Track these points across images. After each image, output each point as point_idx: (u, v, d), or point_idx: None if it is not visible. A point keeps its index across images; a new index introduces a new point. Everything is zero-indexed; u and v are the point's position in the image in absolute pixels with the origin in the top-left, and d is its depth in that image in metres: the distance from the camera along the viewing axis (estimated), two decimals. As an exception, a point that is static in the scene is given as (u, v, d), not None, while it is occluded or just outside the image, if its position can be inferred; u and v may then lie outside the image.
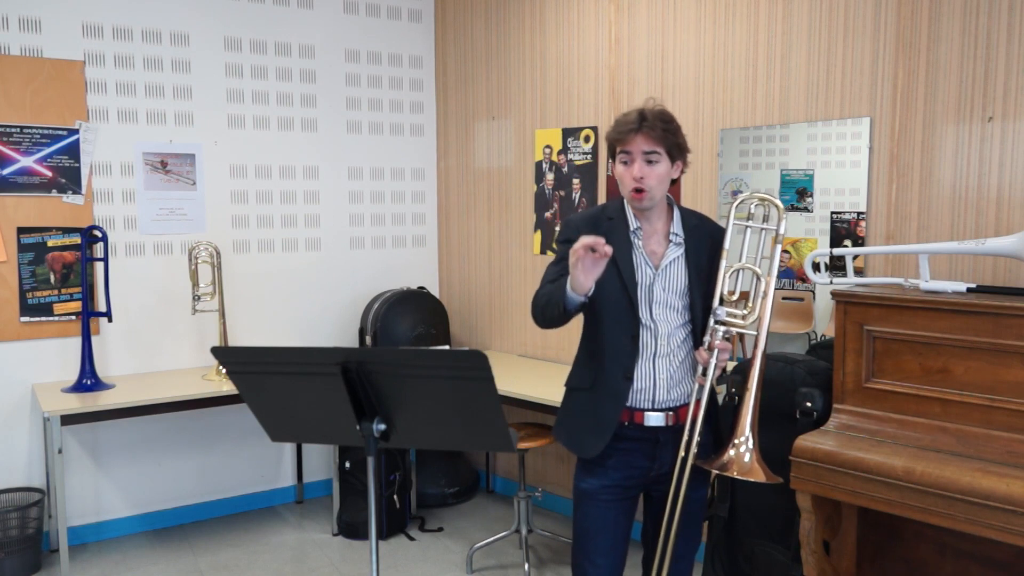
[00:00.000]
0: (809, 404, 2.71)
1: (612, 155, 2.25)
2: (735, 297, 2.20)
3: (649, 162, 2.14)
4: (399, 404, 1.83)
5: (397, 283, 4.77)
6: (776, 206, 2.23)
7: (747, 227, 2.26)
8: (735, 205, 2.25)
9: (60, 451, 3.38)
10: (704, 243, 2.25)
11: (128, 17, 3.96)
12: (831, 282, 2.79)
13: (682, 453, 2.18)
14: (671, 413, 2.20)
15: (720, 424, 2.35)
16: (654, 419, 2.19)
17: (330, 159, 4.59)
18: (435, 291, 4.97)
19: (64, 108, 3.82)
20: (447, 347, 4.51)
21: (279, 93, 4.40)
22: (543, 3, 4.20)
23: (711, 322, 2.16)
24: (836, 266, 2.89)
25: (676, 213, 2.27)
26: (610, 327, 2.20)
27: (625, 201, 2.26)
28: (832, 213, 3.11)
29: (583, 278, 2.00)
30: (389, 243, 4.84)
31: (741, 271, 2.21)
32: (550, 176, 4.26)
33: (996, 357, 2.33)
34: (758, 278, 2.21)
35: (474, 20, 4.63)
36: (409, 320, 4.39)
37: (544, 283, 2.24)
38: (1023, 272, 2.63)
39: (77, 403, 3.47)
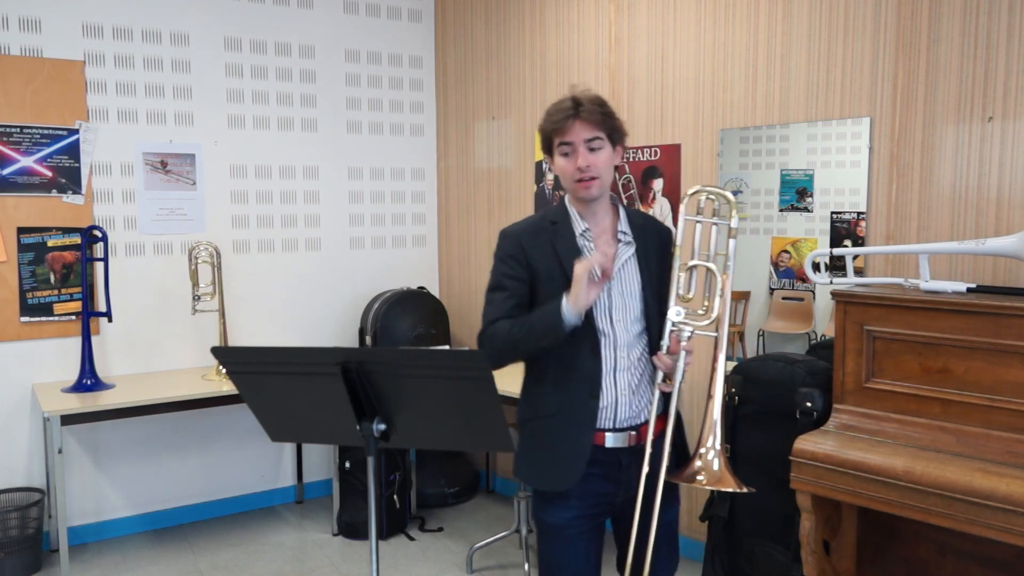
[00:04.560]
0: (809, 404, 2.72)
1: (548, 149, 2.09)
2: (691, 296, 2.04)
3: (592, 149, 2.00)
4: (399, 404, 1.83)
5: (397, 283, 4.77)
6: (727, 199, 2.05)
7: (697, 222, 2.06)
8: (685, 200, 2.08)
9: (60, 451, 3.38)
10: (653, 243, 2.11)
11: (128, 17, 3.96)
12: (831, 282, 2.79)
13: (646, 469, 1.99)
14: (633, 433, 2.04)
15: (686, 437, 2.20)
16: (615, 440, 2.03)
17: (330, 159, 4.58)
18: (435, 291, 4.97)
19: (64, 108, 3.82)
20: (447, 347, 4.51)
21: (279, 93, 4.40)
22: (543, 3, 4.20)
23: (667, 325, 1.99)
24: (836, 266, 2.89)
25: (622, 211, 2.12)
26: (569, 344, 1.98)
27: (567, 202, 2.11)
28: (832, 213, 3.11)
29: (585, 297, 1.87)
30: (389, 243, 4.84)
31: (695, 270, 2.04)
32: (550, 176, 4.26)
33: (996, 357, 2.33)
34: (714, 275, 2.03)
35: (474, 20, 4.62)
36: (409, 320, 4.39)
37: (495, 318, 2.05)
38: (1023, 272, 2.63)
39: (77, 403, 3.47)
